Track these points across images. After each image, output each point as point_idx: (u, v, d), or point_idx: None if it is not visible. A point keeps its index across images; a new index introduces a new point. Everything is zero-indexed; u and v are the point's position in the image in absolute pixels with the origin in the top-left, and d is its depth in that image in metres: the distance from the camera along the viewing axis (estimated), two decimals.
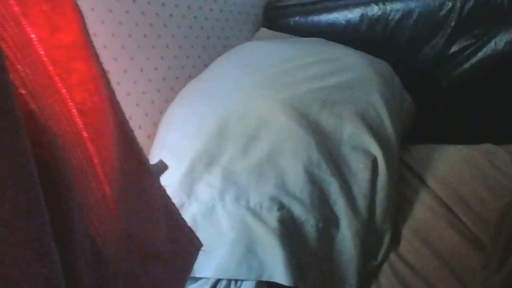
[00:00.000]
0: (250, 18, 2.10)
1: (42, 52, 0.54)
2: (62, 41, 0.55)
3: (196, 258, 0.85)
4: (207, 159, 1.39)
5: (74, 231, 0.52)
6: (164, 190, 0.78)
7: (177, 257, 0.80)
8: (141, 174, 0.71)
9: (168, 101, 1.71)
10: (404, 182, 1.48)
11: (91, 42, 0.60)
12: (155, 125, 1.65)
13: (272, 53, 1.68)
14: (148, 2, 1.67)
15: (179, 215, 0.82)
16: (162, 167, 0.85)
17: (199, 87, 1.68)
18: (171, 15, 1.75)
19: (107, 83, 0.64)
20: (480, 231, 1.34)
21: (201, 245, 0.86)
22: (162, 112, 1.68)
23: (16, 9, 0.51)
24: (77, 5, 0.58)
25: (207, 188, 1.32)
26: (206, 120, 1.48)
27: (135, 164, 0.70)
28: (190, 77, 1.79)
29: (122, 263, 0.64)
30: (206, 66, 1.82)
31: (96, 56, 0.61)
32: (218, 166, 1.37)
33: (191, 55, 1.82)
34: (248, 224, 1.24)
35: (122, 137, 0.66)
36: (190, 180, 1.35)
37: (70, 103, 0.56)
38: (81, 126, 0.57)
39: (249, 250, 1.21)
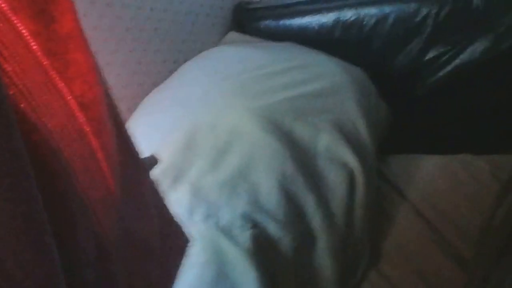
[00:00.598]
0: (218, 21, 2.04)
1: (35, 47, 0.51)
2: (58, 33, 0.53)
3: (186, 253, 0.84)
4: (173, 174, 1.32)
5: (77, 228, 0.52)
6: (155, 184, 0.77)
7: (169, 252, 0.79)
8: (135, 168, 0.70)
9: (130, 110, 1.64)
10: (383, 195, 1.47)
11: (83, 31, 0.60)
12: None
13: (242, 59, 1.62)
14: (107, 4, 1.57)
15: (168, 209, 0.81)
16: (153, 161, 0.87)
17: (164, 95, 1.62)
18: (133, 18, 1.66)
19: (101, 75, 0.63)
20: (462, 246, 1.35)
21: (189, 240, 0.86)
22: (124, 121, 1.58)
23: (3, 5, 0.48)
24: None
25: (174, 206, 1.23)
26: (172, 132, 1.42)
27: (129, 158, 0.69)
28: (155, 84, 1.72)
29: (121, 260, 0.63)
30: (171, 72, 1.77)
31: (89, 46, 0.60)
32: (186, 182, 1.30)
33: (156, 60, 1.74)
34: (219, 244, 1.20)
35: (117, 130, 0.65)
36: None
37: (69, 97, 0.54)
38: (83, 120, 0.56)
39: (220, 273, 1.17)
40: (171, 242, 0.81)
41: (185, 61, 1.80)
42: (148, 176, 0.76)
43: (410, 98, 1.78)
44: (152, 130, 1.47)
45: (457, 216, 1.37)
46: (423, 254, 1.31)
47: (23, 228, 0.42)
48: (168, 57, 1.81)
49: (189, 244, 0.85)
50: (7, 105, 0.42)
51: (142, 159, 0.75)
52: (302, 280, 1.24)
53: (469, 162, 1.50)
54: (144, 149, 1.38)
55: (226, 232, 1.19)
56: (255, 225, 1.21)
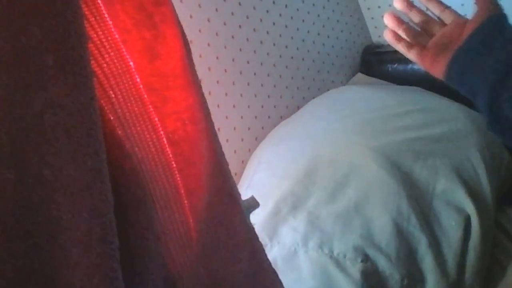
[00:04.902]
0: (347, 62, 2.09)
1: (138, 80, 0.54)
2: (160, 70, 0.56)
3: None
4: (293, 202, 1.37)
5: (147, 259, 0.52)
6: (252, 228, 0.77)
7: None
8: (230, 209, 0.70)
9: (258, 139, 1.71)
10: (498, 245, 1.41)
11: (192, 70, 0.61)
12: (243, 162, 1.66)
13: (367, 99, 1.66)
14: (247, 39, 1.71)
15: (265, 256, 0.80)
16: (253, 203, 0.84)
17: (291, 128, 1.68)
18: (268, 54, 1.78)
19: (206, 113, 0.64)
20: None
21: None
22: (251, 150, 1.68)
23: (117, 36, 0.52)
24: (182, 33, 0.59)
25: (291, 232, 1.31)
26: (295, 162, 1.47)
27: (226, 198, 0.69)
28: (282, 118, 1.79)
29: None
30: (299, 107, 1.83)
31: (196, 85, 0.61)
32: (304, 210, 1.34)
33: (285, 95, 1.84)
34: (330, 273, 1.21)
35: (216, 170, 0.66)
36: (274, 222, 1.34)
37: (161, 132, 0.56)
38: (170, 155, 0.57)
39: None
40: None
41: (312, 97, 1.85)
42: (245, 219, 0.74)
43: None
44: (277, 158, 1.53)
45: None
46: None
47: (96, 251, 0.43)
48: (297, 93, 1.87)
49: None
50: (99, 128, 0.44)
51: (242, 201, 0.74)
52: None
53: None
54: (269, 174, 1.49)
55: (338, 262, 1.22)
56: (366, 258, 1.22)
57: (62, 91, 0.41)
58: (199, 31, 1.55)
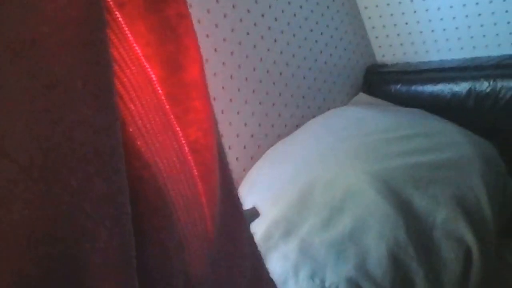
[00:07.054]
0: (349, 81, 2.07)
1: (160, 91, 0.55)
2: (183, 80, 0.57)
3: None
4: (285, 227, 1.34)
5: (170, 265, 0.53)
6: (253, 238, 0.77)
7: None
8: (235, 219, 0.71)
9: (254, 158, 1.69)
10: (500, 279, 1.37)
11: (206, 82, 0.63)
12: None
13: (368, 121, 1.63)
14: (246, 56, 1.67)
15: (265, 266, 0.79)
16: (254, 213, 0.87)
17: (288, 148, 1.65)
18: (268, 71, 1.74)
19: (216, 124, 0.66)
20: None
21: None
22: (246, 170, 1.66)
23: (138, 51, 0.53)
24: (198, 44, 0.61)
25: (281, 260, 1.27)
26: (289, 185, 1.44)
27: (231, 208, 0.70)
28: (280, 137, 1.77)
29: None
30: (298, 126, 1.81)
31: (209, 96, 0.63)
32: (296, 237, 1.31)
33: (283, 114, 1.80)
34: None
35: (224, 179, 0.67)
36: (264, 248, 1.30)
37: (183, 141, 0.57)
38: (192, 164, 0.58)
39: None
40: None
41: (312, 117, 1.84)
42: (249, 229, 0.75)
43: None
44: (272, 180, 1.50)
45: None
46: None
47: (115, 259, 0.45)
48: (296, 112, 1.84)
49: None
50: (120, 143, 0.45)
51: (244, 211, 0.75)
52: None
53: None
54: (262, 198, 1.44)
55: None
56: None
57: (90, 112, 0.44)
58: None
